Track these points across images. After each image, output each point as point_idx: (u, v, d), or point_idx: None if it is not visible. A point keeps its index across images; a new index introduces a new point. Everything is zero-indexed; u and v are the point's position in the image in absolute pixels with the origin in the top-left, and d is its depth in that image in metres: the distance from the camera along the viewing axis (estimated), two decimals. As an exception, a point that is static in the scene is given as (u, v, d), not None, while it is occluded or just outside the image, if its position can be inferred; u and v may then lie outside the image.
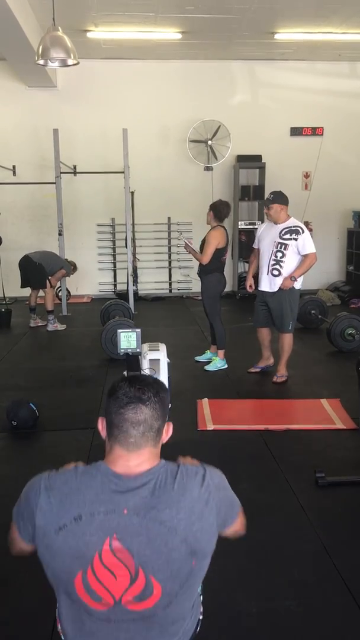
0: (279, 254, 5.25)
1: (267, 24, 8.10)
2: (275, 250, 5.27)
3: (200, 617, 1.76)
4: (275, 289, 5.33)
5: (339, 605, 2.50)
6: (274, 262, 5.28)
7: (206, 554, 1.58)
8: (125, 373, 1.87)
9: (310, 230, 10.24)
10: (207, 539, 1.55)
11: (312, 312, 7.65)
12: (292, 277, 5.24)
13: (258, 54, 9.56)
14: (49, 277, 7.90)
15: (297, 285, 5.34)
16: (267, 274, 5.34)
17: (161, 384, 1.66)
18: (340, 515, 3.23)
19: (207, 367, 5.86)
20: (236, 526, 1.70)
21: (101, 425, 1.61)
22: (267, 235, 5.40)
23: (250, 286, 5.72)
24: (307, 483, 3.51)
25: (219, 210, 5.82)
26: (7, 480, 3.56)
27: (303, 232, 5.23)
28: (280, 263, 5.25)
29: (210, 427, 4.38)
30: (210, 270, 5.79)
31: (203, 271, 5.83)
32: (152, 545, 1.48)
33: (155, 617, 1.55)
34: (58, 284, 8.64)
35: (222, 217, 5.82)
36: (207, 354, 6.10)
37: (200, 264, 5.83)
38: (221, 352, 5.91)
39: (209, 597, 2.54)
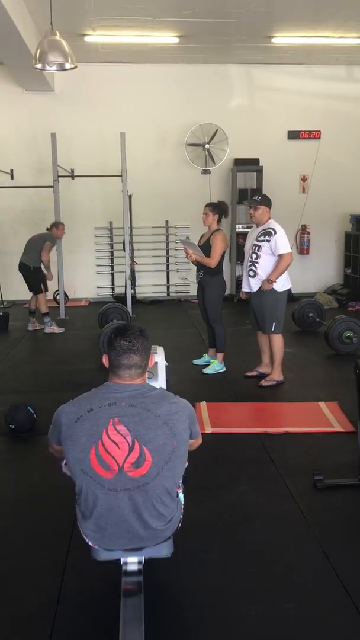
0: (254, 255, 5.36)
1: (264, 28, 8.12)
2: (251, 252, 5.38)
3: (181, 516, 2.35)
4: (254, 289, 5.43)
5: (338, 608, 2.49)
6: (250, 263, 5.40)
7: (184, 440, 2.21)
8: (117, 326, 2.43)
9: (307, 233, 10.40)
10: (182, 428, 2.20)
11: (310, 315, 7.65)
12: (269, 280, 5.28)
13: (255, 58, 9.59)
14: (42, 259, 7.83)
15: (278, 287, 5.34)
16: (246, 275, 5.47)
17: (145, 333, 2.27)
18: (339, 518, 3.23)
19: (206, 370, 5.86)
20: (197, 442, 2.43)
21: (105, 360, 2.28)
22: (249, 238, 5.54)
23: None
24: (305, 486, 3.51)
25: (223, 211, 5.85)
26: (5, 484, 3.55)
27: (276, 233, 5.26)
28: (255, 264, 5.34)
29: (209, 430, 4.38)
30: (215, 273, 5.81)
31: (208, 274, 5.81)
32: (143, 424, 2.13)
33: (149, 485, 2.13)
34: (55, 288, 8.63)
35: (224, 217, 5.88)
36: (206, 357, 6.10)
37: (203, 268, 5.80)
38: (220, 355, 5.92)
39: (209, 600, 2.55)
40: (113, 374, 2.23)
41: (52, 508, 3.19)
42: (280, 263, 5.26)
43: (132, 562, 2.30)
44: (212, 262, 5.71)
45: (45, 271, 7.97)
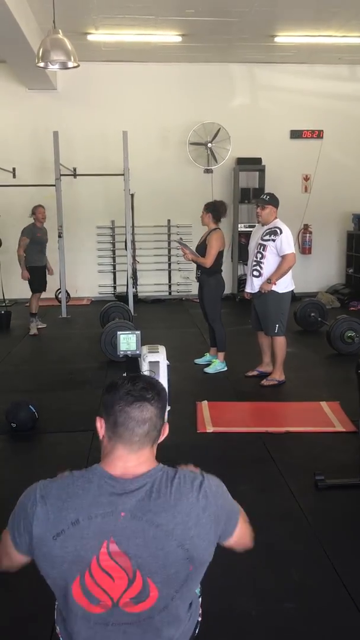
0: (259, 255, 5.30)
1: (267, 27, 8.12)
2: (256, 251, 5.33)
3: (199, 619, 1.75)
4: (256, 290, 5.38)
5: (338, 608, 2.49)
6: (255, 263, 5.35)
7: (203, 562, 1.56)
8: (124, 374, 1.86)
9: (309, 233, 10.38)
10: (204, 547, 1.52)
11: (312, 314, 7.65)
12: (268, 280, 5.24)
13: (258, 57, 9.58)
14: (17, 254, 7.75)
15: (280, 288, 5.30)
16: (250, 275, 5.41)
17: (160, 384, 1.64)
18: (340, 517, 3.23)
19: (207, 370, 5.86)
20: (239, 537, 1.66)
21: (100, 424, 1.58)
22: (254, 237, 5.49)
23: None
24: (306, 486, 3.51)
25: (218, 211, 5.82)
26: (7, 483, 3.55)
27: (281, 232, 5.21)
28: (260, 264, 5.30)
29: (210, 429, 4.37)
30: (212, 273, 5.80)
31: (205, 273, 5.81)
32: (149, 548, 1.47)
33: (152, 620, 1.54)
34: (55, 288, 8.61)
35: (220, 218, 5.85)
36: (207, 357, 6.10)
37: (201, 267, 5.81)
38: (221, 355, 5.91)
39: (209, 599, 2.54)
40: (114, 442, 1.54)
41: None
42: (283, 264, 5.21)
43: None
44: (207, 261, 5.70)
45: (22, 268, 7.74)
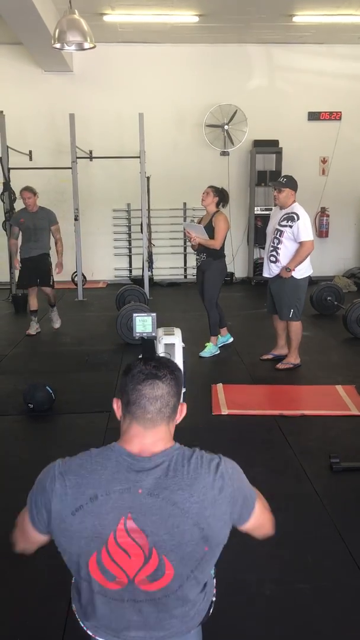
0: (276, 241, 5.22)
1: (285, 7, 7.99)
2: (273, 236, 5.25)
3: (214, 599, 1.76)
4: (273, 275, 5.34)
5: (352, 589, 2.51)
6: (272, 248, 5.27)
7: (219, 543, 1.58)
8: (140, 356, 1.87)
9: (327, 216, 10.29)
10: (219, 527, 1.54)
11: (328, 298, 7.61)
12: (287, 269, 5.17)
13: (276, 37, 9.44)
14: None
15: (298, 274, 5.23)
16: (267, 259, 5.35)
17: (175, 363, 1.67)
18: (355, 500, 3.23)
19: (202, 354, 5.80)
20: (257, 522, 1.67)
21: (116, 405, 1.61)
22: (272, 220, 5.39)
23: None
24: (321, 468, 3.52)
25: (224, 199, 5.77)
26: (24, 462, 3.60)
27: (299, 218, 5.09)
28: (277, 250, 5.22)
29: (225, 411, 4.39)
30: (219, 256, 5.76)
31: (212, 256, 5.74)
32: (165, 525, 1.48)
33: (167, 598, 1.56)
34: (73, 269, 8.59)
35: (221, 205, 5.79)
36: (221, 338, 6.10)
37: (206, 250, 5.71)
38: (214, 338, 5.90)
39: (223, 580, 2.57)
40: (128, 417, 1.57)
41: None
42: (300, 251, 5.11)
43: None
44: (217, 243, 5.63)
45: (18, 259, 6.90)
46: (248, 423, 4.24)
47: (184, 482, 1.50)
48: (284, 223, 5.16)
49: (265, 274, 5.46)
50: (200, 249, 5.76)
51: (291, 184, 5.25)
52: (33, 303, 6.88)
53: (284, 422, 4.22)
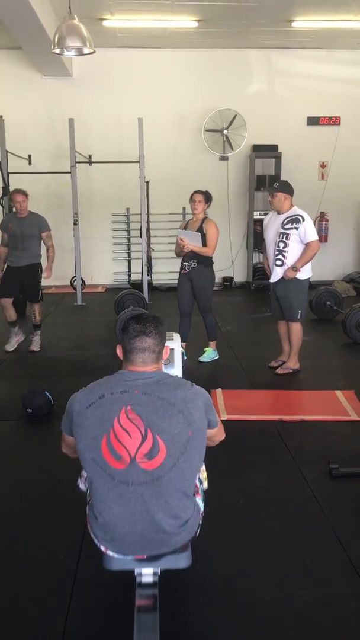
0: (282, 244, 5.22)
1: (284, 12, 8.01)
2: (277, 240, 5.24)
3: (200, 522, 2.22)
4: (278, 278, 5.32)
5: (351, 595, 2.50)
6: (277, 252, 5.25)
7: (200, 429, 2.13)
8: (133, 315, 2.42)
9: (326, 221, 10.30)
10: (198, 417, 2.12)
11: (327, 303, 7.61)
12: (293, 268, 5.18)
13: (275, 43, 9.47)
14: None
15: (302, 275, 5.25)
16: (273, 265, 5.32)
17: (159, 319, 2.26)
18: (354, 506, 3.22)
19: (201, 359, 5.77)
20: (218, 432, 2.39)
21: (119, 350, 2.26)
22: (271, 226, 5.37)
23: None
24: (321, 474, 3.51)
25: (210, 199, 5.71)
26: (23, 468, 3.59)
27: (304, 220, 5.13)
28: (283, 253, 5.21)
29: (224, 417, 4.37)
30: (210, 263, 5.69)
31: (203, 264, 5.63)
32: (157, 412, 2.06)
33: (163, 479, 2.03)
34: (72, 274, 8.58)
35: (209, 205, 5.74)
36: (210, 352, 5.93)
37: (197, 258, 5.60)
38: (213, 343, 5.86)
39: (221, 584, 2.56)
40: (126, 360, 2.20)
41: (68, 492, 3.20)
42: (308, 251, 5.14)
43: (146, 573, 2.15)
44: (211, 250, 5.57)
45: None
46: (247, 428, 4.23)
47: (169, 387, 2.14)
48: (289, 226, 5.17)
49: (273, 279, 5.38)
50: (190, 255, 5.63)
51: (285, 188, 5.26)
52: (10, 314, 6.23)
53: (283, 428, 4.21)
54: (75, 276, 9.14)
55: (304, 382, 5.32)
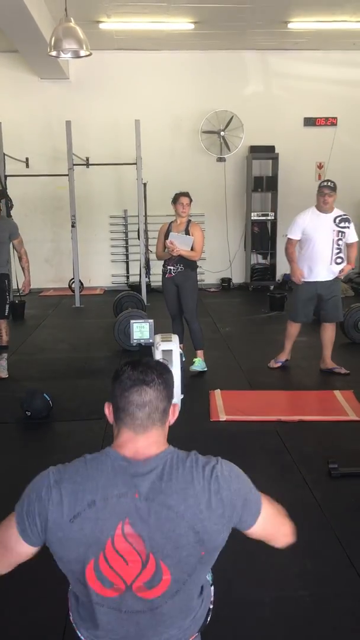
0: (341, 242, 5.27)
1: (280, 13, 8.02)
2: (336, 239, 5.24)
3: (211, 607, 1.75)
4: (335, 276, 5.32)
5: (351, 596, 2.50)
6: (337, 250, 5.25)
7: (216, 547, 1.56)
8: (127, 361, 1.89)
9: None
10: (215, 531, 1.51)
11: (326, 303, 7.61)
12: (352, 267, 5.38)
13: (271, 44, 9.49)
14: None
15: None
16: (330, 263, 5.25)
17: (164, 366, 1.64)
18: (353, 506, 3.23)
19: (194, 367, 5.53)
20: (267, 527, 1.66)
21: (108, 410, 1.60)
22: (319, 225, 5.24)
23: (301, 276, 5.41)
24: (320, 474, 3.51)
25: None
26: (21, 470, 3.58)
27: (351, 220, 5.33)
28: (341, 250, 5.28)
29: (223, 417, 4.38)
30: (195, 267, 5.57)
31: (190, 267, 5.46)
32: (162, 530, 1.47)
33: (164, 607, 1.55)
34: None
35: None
36: (200, 361, 5.64)
37: (184, 261, 5.42)
38: (201, 352, 5.62)
39: (221, 587, 2.55)
40: (119, 423, 1.56)
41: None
42: (355, 250, 5.38)
43: None
44: (198, 254, 5.45)
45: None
46: (246, 429, 4.23)
47: (179, 485, 1.49)
48: (343, 225, 5.26)
49: (326, 278, 5.29)
50: (176, 259, 5.43)
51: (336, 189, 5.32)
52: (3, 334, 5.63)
53: (282, 428, 4.21)
54: (73, 278, 9.14)
55: (303, 382, 5.33)
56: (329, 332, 5.50)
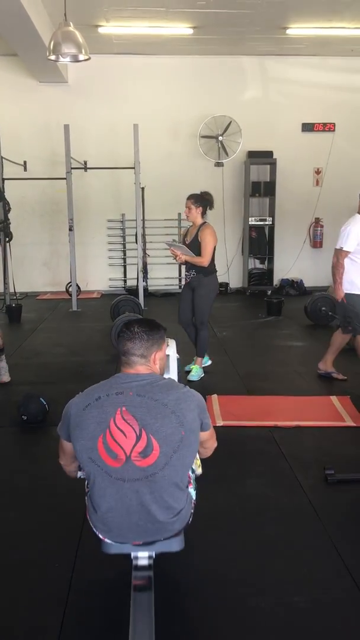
0: None
1: (279, 19, 8.05)
2: None
3: (192, 511, 2.38)
4: None
5: (348, 602, 2.49)
6: None
7: (192, 429, 2.23)
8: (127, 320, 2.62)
9: (321, 227, 10.34)
10: (191, 417, 2.22)
11: (323, 309, 7.62)
12: None
13: (270, 50, 9.51)
14: None
15: None
16: None
17: (155, 324, 2.38)
18: (350, 512, 3.22)
19: (191, 377, 5.48)
20: (210, 436, 2.46)
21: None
22: None
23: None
24: (316, 480, 3.51)
25: (207, 203, 5.39)
26: (17, 474, 3.57)
27: None
28: None
29: (220, 423, 4.38)
30: (209, 272, 5.43)
31: (202, 273, 5.38)
32: (151, 413, 2.17)
33: (156, 476, 2.15)
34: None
35: (210, 207, 5.45)
36: (197, 370, 5.64)
37: (195, 267, 5.36)
38: (200, 360, 5.60)
39: (218, 592, 2.55)
40: (121, 362, 2.33)
41: (63, 499, 3.21)
42: None
43: (142, 556, 2.32)
44: (205, 260, 5.27)
45: None
46: (243, 434, 4.23)
47: (162, 389, 2.23)
48: None
49: None
50: (189, 265, 5.43)
51: None
52: None
53: (278, 433, 4.21)
54: (70, 282, 9.13)
55: (299, 387, 5.32)
56: (345, 339, 5.37)
